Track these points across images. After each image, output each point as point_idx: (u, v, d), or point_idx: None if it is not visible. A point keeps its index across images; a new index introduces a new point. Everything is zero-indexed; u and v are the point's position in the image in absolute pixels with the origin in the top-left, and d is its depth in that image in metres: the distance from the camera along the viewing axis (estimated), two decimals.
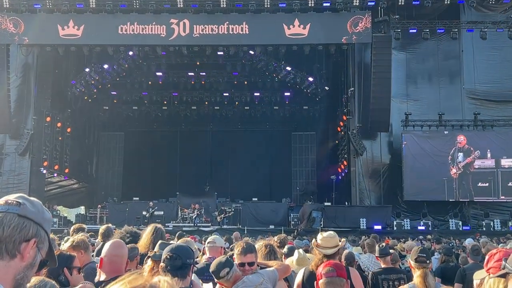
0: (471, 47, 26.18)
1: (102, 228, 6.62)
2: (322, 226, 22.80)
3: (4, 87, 25.29)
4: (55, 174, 29.67)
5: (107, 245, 3.88)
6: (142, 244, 5.11)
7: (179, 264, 3.34)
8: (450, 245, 9.87)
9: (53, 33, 24.93)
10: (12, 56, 26.00)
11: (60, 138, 29.72)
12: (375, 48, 24.55)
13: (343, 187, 27.78)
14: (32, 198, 1.71)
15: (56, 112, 28.94)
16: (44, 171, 27.52)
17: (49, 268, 1.74)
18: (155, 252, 4.01)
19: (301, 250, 5.35)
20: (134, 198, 28.51)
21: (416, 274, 4.59)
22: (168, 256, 3.35)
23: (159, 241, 4.23)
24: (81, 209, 32.77)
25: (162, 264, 3.35)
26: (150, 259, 3.95)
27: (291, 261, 5.39)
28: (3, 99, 25.29)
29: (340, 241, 5.07)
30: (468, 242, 12.26)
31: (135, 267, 4.49)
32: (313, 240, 5.17)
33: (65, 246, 4.79)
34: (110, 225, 6.93)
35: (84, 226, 7.25)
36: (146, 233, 5.21)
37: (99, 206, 28.80)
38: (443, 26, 25.50)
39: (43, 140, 27.47)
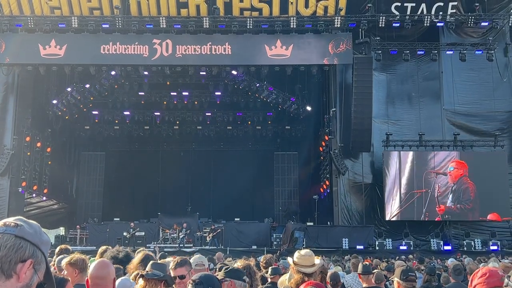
0: (451, 69, 26.60)
1: (101, 248, 6.55)
2: (304, 246, 22.77)
3: None
4: (34, 195, 29.25)
5: (92, 265, 3.81)
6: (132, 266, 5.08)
7: None
8: (432, 264, 9.88)
9: (34, 53, 24.78)
10: None
11: (39, 158, 29.35)
12: (356, 69, 24.85)
13: (326, 207, 27.80)
14: (30, 221, 1.73)
15: (36, 132, 28.63)
16: (23, 192, 27.11)
17: None
18: (147, 271, 3.98)
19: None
20: (115, 219, 28.21)
21: None
22: (195, 282, 3.40)
23: (151, 261, 4.18)
24: (61, 230, 32.28)
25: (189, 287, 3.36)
26: (141, 278, 3.90)
27: (284, 279, 5.30)
28: None
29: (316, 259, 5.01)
30: (451, 261, 12.33)
31: None
32: (289, 258, 5.07)
33: (63, 262, 4.71)
34: (109, 247, 6.83)
35: (69, 247, 7.15)
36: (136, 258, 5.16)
37: (78, 227, 28.40)
38: (423, 48, 25.93)
39: (22, 160, 27.12)
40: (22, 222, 1.70)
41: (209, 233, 25.15)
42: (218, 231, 25.19)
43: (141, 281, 3.97)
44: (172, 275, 4.40)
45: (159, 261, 4.77)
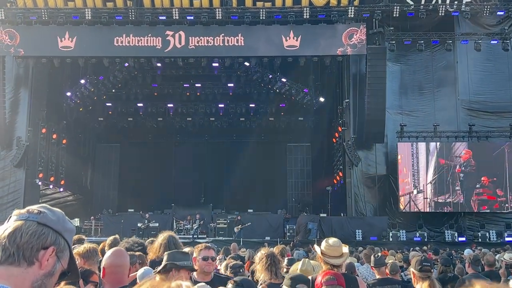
0: (466, 59, 26.32)
1: (109, 239, 6.57)
2: (318, 237, 22.75)
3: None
4: (51, 186, 29.52)
5: (108, 254, 3.82)
6: (152, 250, 5.10)
7: None
8: (450, 257, 9.78)
9: (48, 45, 24.94)
10: (8, 68, 25.95)
11: (55, 150, 29.61)
12: (369, 60, 24.66)
13: (339, 198, 27.73)
14: (54, 208, 1.74)
15: (51, 124, 28.86)
16: (39, 183, 27.38)
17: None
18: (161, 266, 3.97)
19: (307, 260, 5.25)
20: (129, 210, 28.41)
21: (424, 284, 4.49)
22: (236, 283, 3.42)
23: (165, 252, 4.19)
24: (76, 221, 32.55)
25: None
26: (157, 273, 3.86)
27: (296, 268, 5.28)
28: None
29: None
30: (467, 252, 12.25)
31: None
32: (317, 247, 4.96)
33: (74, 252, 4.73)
34: (117, 236, 6.85)
35: (84, 237, 7.20)
36: (158, 244, 5.17)
37: (92, 218, 28.64)
38: (438, 38, 25.68)
39: (38, 151, 27.35)
40: (46, 209, 1.70)
41: (236, 224, 24.96)
42: (249, 224, 24.87)
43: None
44: (202, 255, 4.61)
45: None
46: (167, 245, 5.03)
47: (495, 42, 25.44)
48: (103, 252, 5.30)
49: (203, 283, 4.06)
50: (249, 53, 25.87)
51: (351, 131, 26.31)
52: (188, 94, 32.70)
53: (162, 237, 5.22)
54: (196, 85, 32.12)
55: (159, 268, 3.89)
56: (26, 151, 25.98)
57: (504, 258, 8.27)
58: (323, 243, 4.78)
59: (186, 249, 5.98)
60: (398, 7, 24.55)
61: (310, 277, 4.69)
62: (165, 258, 3.96)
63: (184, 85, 32.23)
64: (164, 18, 25.09)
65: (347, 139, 26.34)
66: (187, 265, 3.86)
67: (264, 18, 24.72)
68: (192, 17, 25.05)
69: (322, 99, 31.55)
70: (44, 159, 27.98)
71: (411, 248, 17.58)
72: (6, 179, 25.99)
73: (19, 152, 25.77)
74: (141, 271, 4.32)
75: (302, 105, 32.05)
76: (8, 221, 1.67)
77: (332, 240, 4.81)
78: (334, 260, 4.62)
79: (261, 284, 4.79)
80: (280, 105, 33.74)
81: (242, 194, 32.12)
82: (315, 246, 5.23)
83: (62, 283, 2.68)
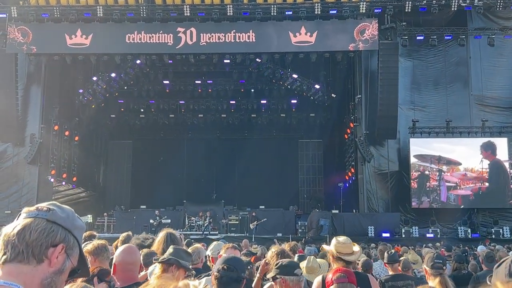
0: (479, 54, 26.09)
1: (122, 236, 6.59)
2: (330, 234, 22.69)
3: (12, 95, 25.43)
4: (64, 183, 29.71)
5: (120, 251, 3.81)
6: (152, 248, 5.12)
7: (235, 276, 3.29)
8: (464, 254, 9.69)
9: (60, 42, 25.05)
10: (20, 65, 26.12)
11: (68, 147, 29.78)
12: (382, 55, 24.53)
13: (351, 195, 27.66)
14: (64, 206, 1.74)
15: (64, 121, 29.01)
16: (52, 180, 27.56)
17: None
18: (165, 257, 3.98)
19: (312, 257, 5.24)
20: (141, 206, 28.54)
21: (435, 281, 4.46)
22: (225, 267, 3.31)
23: (172, 246, 4.19)
24: (89, 218, 32.76)
25: (216, 273, 3.29)
26: (160, 264, 3.88)
27: (302, 266, 5.26)
28: (11, 107, 25.42)
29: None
30: (480, 249, 12.16)
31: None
32: (327, 247, 4.97)
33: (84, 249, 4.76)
34: (130, 232, 6.88)
35: (95, 233, 7.23)
36: (158, 240, 5.19)
37: (105, 214, 28.80)
38: (451, 33, 25.46)
39: (50, 148, 27.53)
40: (55, 206, 1.70)
41: (251, 220, 24.98)
42: (264, 219, 24.88)
43: (157, 270, 3.95)
44: (227, 254, 4.69)
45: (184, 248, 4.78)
46: (164, 242, 5.05)
47: (509, 37, 25.20)
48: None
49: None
50: (261, 49, 25.79)
51: (363, 127, 26.19)
52: (199, 90, 32.74)
53: (161, 235, 5.26)
54: (208, 81, 32.14)
55: (161, 258, 3.91)
56: (39, 148, 26.14)
57: None
58: (334, 242, 4.82)
59: (196, 245, 6.00)
60: (410, 2, 24.35)
61: (321, 276, 4.69)
62: (170, 251, 3.97)
63: (196, 82, 32.26)
64: (175, 14, 25.12)
65: (359, 135, 26.23)
66: (187, 266, 3.93)
67: (275, 14, 24.66)
68: (203, 14, 25.04)
69: (333, 95, 31.44)
70: (56, 156, 28.15)
71: (424, 245, 17.50)
72: (20, 176, 26.19)
73: (32, 149, 25.94)
74: (151, 268, 4.32)
75: (313, 101, 31.95)
76: (17, 219, 1.67)
77: (342, 238, 4.87)
78: (348, 257, 4.63)
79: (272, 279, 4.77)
80: (292, 101, 33.65)
81: (254, 191, 32.11)
82: (325, 246, 5.26)
83: (78, 280, 2.69)
